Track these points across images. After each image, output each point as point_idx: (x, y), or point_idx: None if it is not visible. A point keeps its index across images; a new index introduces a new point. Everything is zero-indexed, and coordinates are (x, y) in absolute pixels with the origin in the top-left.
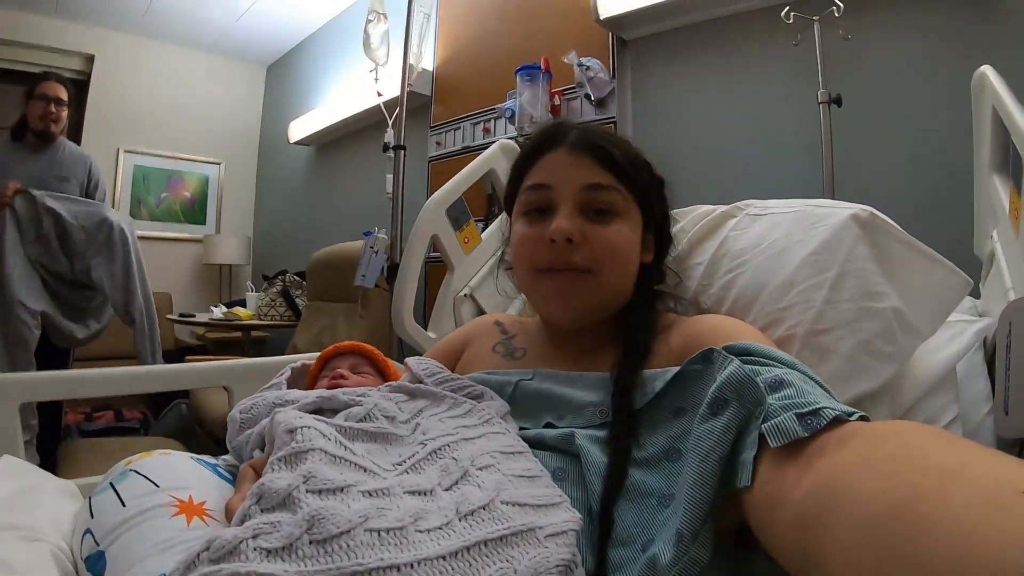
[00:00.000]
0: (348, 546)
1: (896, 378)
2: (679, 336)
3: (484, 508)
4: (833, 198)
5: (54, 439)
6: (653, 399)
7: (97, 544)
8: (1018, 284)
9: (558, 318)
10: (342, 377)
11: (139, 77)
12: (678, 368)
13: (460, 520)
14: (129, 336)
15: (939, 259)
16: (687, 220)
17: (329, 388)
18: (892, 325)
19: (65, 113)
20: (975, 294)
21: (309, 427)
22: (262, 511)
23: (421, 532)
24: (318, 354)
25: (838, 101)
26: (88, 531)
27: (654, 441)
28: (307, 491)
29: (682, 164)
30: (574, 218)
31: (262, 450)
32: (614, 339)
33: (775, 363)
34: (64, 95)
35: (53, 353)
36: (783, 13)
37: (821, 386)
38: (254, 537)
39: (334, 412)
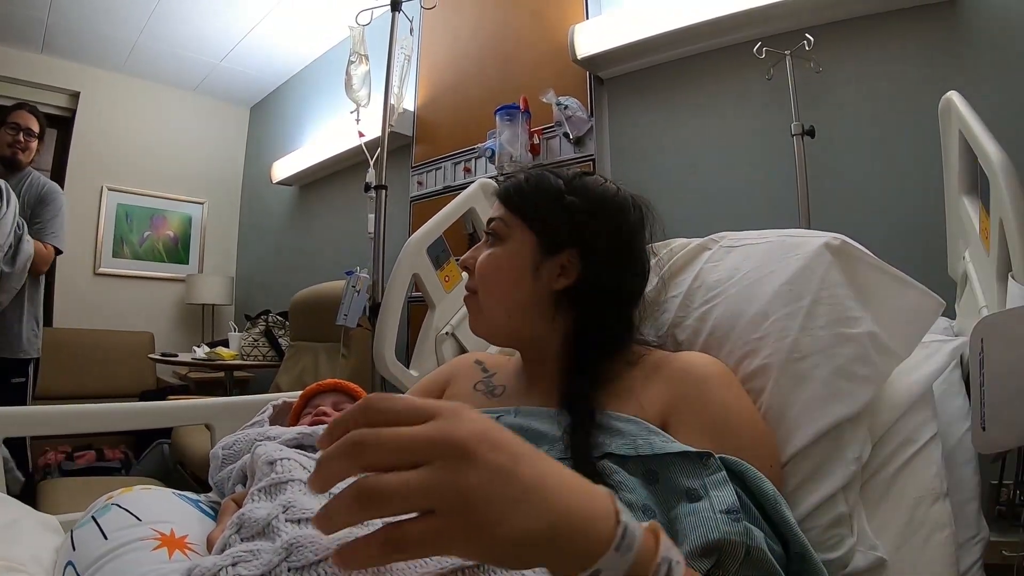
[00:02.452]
0: (326, 573)
1: (874, 400)
2: (658, 389)
3: None
4: (808, 228)
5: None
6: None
7: None
8: (991, 302)
9: (476, 334)
10: (325, 415)
11: (124, 115)
12: (674, 449)
13: None
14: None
15: (911, 282)
16: (663, 254)
17: (311, 426)
18: (868, 349)
19: (35, 144)
20: (951, 314)
21: (289, 459)
22: (242, 540)
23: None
24: (300, 392)
25: (811, 132)
26: (70, 563)
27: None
28: (286, 520)
29: (660, 198)
30: (476, 249)
31: (244, 485)
32: (567, 375)
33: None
34: (35, 126)
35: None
36: (755, 48)
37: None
38: (233, 564)
39: (315, 449)
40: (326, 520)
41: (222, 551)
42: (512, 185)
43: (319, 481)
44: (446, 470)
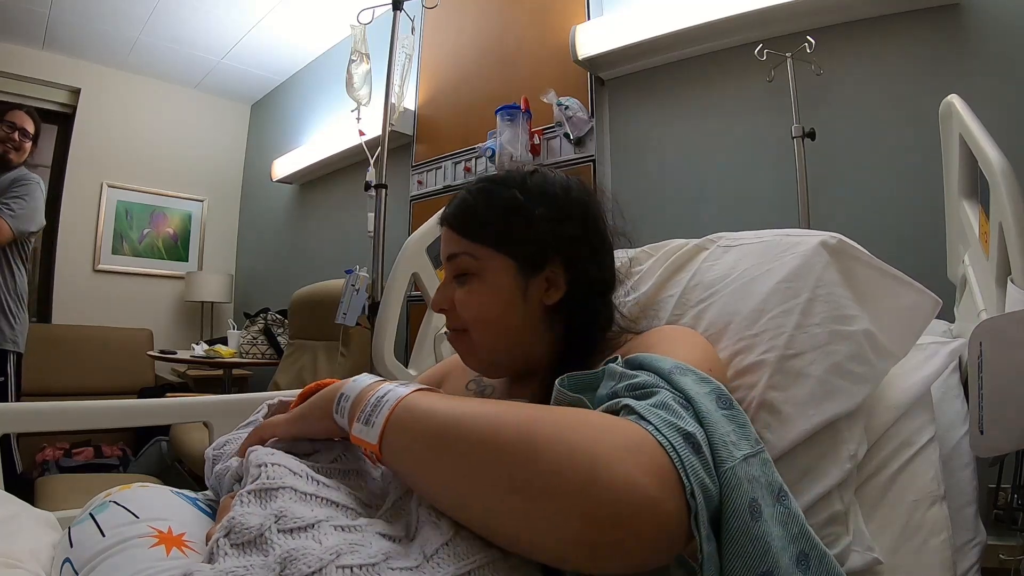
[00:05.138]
0: None
1: (871, 400)
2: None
3: (446, 545)
4: (809, 229)
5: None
6: None
7: (76, 573)
8: (990, 305)
9: (474, 371)
10: None
11: (124, 112)
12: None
13: (427, 561)
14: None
15: (908, 281)
16: (660, 254)
17: None
18: (864, 347)
19: (28, 146)
20: (950, 318)
21: (279, 464)
22: (231, 546)
23: (393, 570)
24: (298, 390)
25: (812, 135)
26: (67, 560)
27: None
28: (278, 531)
29: (660, 200)
30: (445, 288)
31: (240, 484)
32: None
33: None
34: (30, 127)
35: None
36: (756, 50)
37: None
38: None
39: (307, 455)
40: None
41: (210, 557)
42: (463, 212)
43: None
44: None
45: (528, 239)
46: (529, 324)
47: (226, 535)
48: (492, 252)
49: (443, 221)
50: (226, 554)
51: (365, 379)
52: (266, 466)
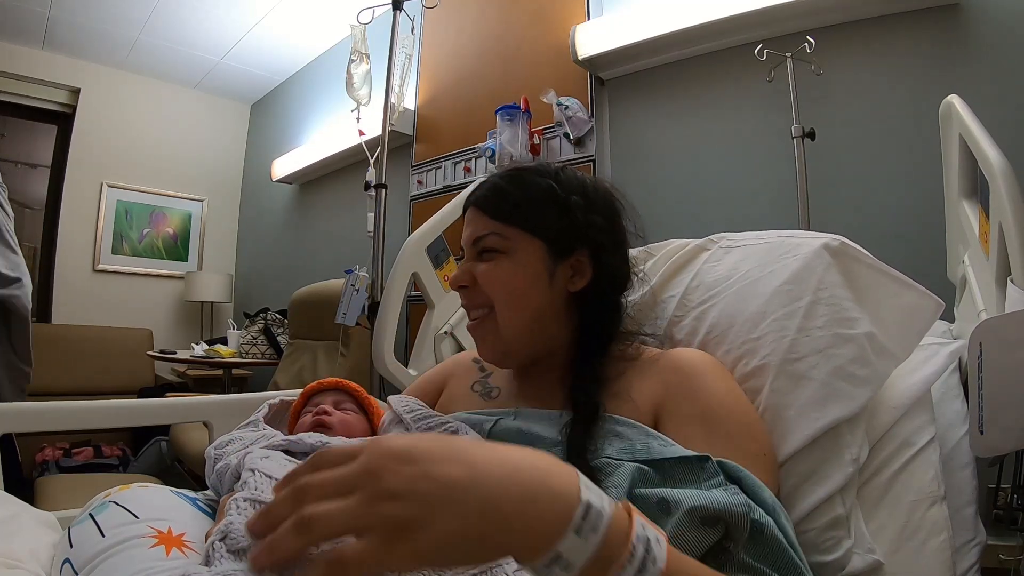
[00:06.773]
0: None
1: (872, 401)
2: (651, 385)
3: None
4: (808, 230)
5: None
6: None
7: (76, 573)
8: (989, 306)
9: (488, 360)
10: (326, 413)
11: (124, 111)
12: (672, 454)
13: None
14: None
15: (910, 283)
16: (661, 254)
17: (312, 423)
18: (866, 350)
19: None
20: (950, 318)
21: (266, 474)
22: (227, 550)
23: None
24: (299, 390)
25: (811, 135)
26: (67, 560)
27: None
28: None
29: (660, 200)
30: (466, 265)
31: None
32: (573, 374)
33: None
34: None
35: None
36: (756, 50)
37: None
38: None
39: (304, 455)
40: (268, 552)
41: (207, 559)
42: (495, 195)
43: (266, 523)
44: (364, 493)
45: (561, 225)
46: (552, 308)
47: (222, 539)
48: (522, 233)
49: (471, 203)
50: (222, 557)
51: (606, 500)
52: (255, 472)
